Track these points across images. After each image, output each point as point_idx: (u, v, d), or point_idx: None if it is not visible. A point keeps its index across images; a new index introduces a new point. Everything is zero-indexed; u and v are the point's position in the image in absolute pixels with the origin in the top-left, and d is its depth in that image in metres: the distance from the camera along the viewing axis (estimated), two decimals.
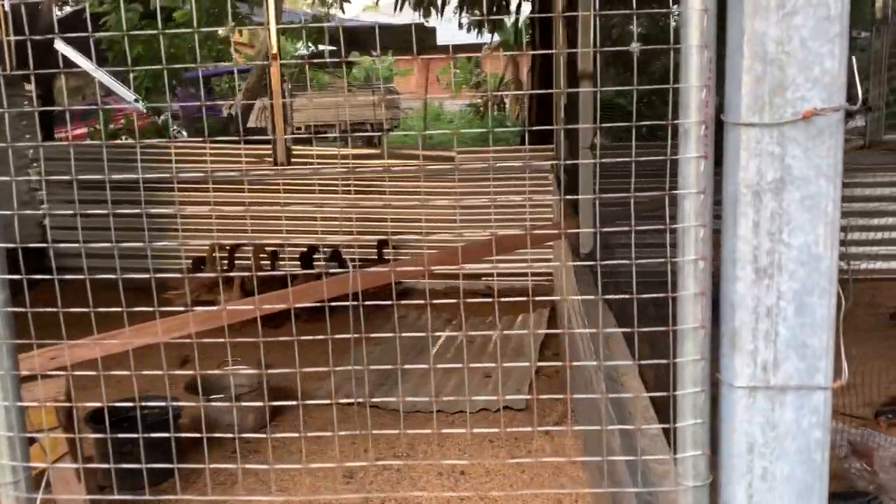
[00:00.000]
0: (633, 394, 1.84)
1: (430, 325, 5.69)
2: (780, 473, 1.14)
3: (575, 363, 3.70)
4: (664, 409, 1.94)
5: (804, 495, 1.14)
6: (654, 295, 1.19)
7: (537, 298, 5.92)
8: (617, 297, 1.25)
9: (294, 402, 4.21)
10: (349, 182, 6.57)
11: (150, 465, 1.40)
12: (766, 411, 1.12)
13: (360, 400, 3.92)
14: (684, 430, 1.17)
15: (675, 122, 1.12)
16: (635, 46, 1.23)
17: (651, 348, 1.64)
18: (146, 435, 1.42)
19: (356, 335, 1.39)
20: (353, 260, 6.34)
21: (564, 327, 4.57)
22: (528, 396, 4.37)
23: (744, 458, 1.13)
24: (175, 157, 6.80)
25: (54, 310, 1.25)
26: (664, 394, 1.28)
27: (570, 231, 3.64)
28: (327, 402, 4.33)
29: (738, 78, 1.08)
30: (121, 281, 1.29)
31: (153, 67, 9.76)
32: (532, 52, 7.74)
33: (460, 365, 4.71)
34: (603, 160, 1.29)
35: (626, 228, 1.48)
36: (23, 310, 1.22)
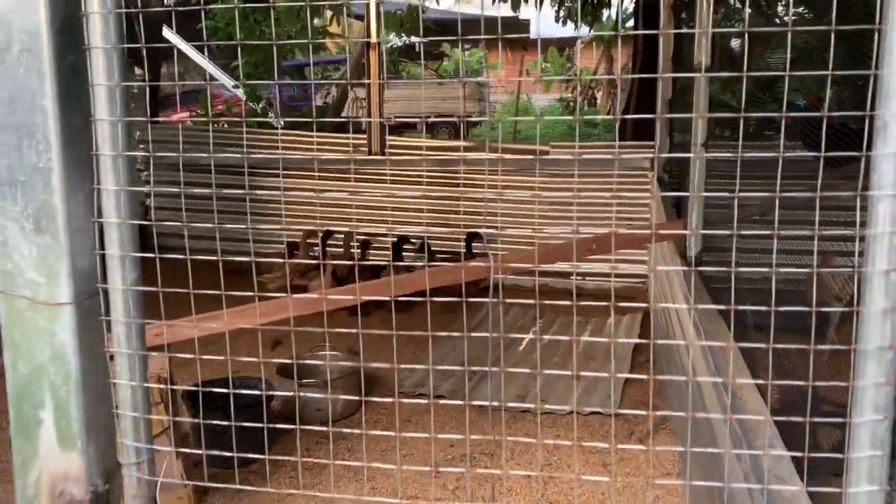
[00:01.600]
0: (760, 417, 1.69)
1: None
2: None
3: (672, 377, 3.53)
4: (788, 434, 1.77)
5: None
6: (840, 309, 1.05)
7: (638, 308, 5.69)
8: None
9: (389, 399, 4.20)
10: (451, 172, 6.50)
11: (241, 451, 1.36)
12: None
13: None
14: (859, 461, 1.03)
15: (874, 113, 0.97)
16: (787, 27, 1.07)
17: (774, 367, 1.47)
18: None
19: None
20: (440, 252, 6.30)
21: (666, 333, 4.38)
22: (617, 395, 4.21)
23: None
24: (271, 143, 6.94)
25: (182, 289, 1.22)
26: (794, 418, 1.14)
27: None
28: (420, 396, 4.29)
29: None
30: (220, 264, 1.26)
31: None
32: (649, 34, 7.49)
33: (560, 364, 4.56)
34: (745, 155, 1.14)
35: (769, 232, 1.33)
36: (153, 289, 1.20)
